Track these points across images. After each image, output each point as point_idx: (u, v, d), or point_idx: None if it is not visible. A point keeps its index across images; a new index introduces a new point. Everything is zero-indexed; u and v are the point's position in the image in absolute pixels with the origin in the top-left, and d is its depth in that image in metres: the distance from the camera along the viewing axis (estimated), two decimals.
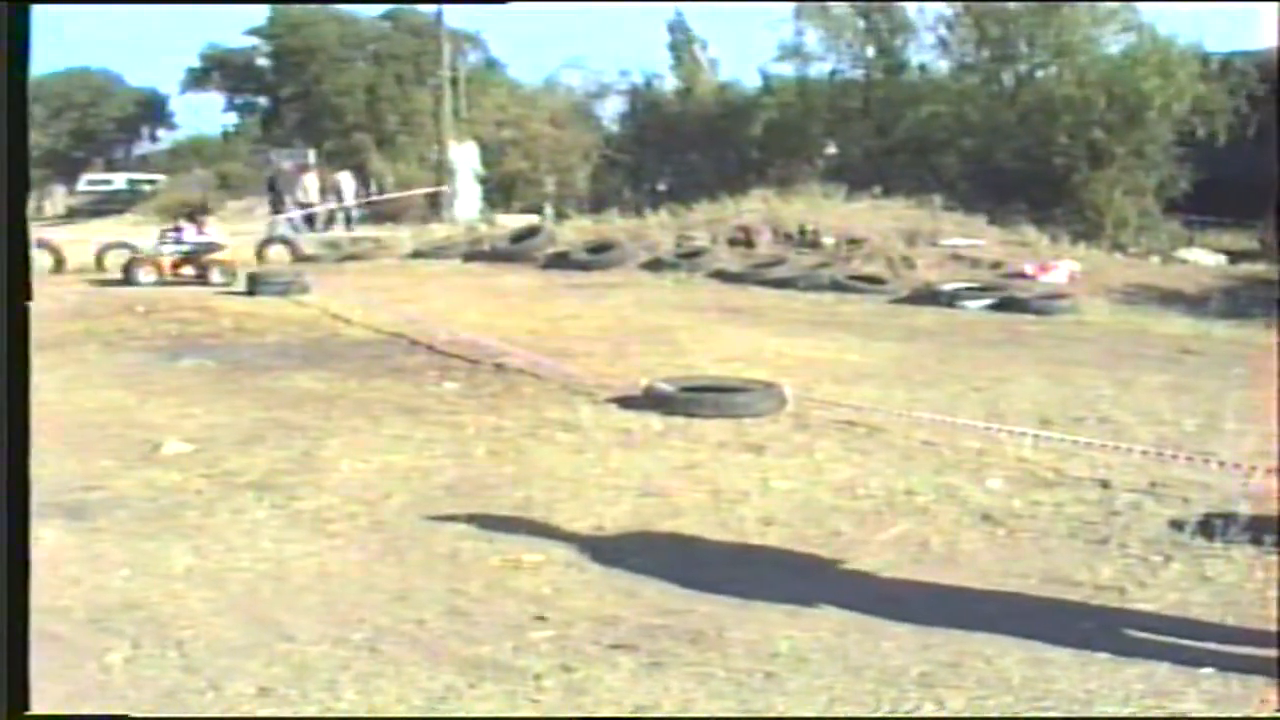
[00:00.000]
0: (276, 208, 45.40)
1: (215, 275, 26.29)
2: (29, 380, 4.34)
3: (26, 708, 4.45)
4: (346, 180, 46.03)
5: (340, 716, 5.79)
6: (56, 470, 10.42)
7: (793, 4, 47.76)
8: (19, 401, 4.35)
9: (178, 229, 27.74)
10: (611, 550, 7.89)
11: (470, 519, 8.61)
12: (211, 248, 27.27)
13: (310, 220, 42.40)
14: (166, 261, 26.58)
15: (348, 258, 32.19)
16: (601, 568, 7.58)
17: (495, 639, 6.52)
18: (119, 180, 73.35)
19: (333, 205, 43.49)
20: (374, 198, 48.03)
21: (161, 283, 25.59)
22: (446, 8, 52.55)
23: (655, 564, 7.57)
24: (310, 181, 45.20)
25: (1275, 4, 35.27)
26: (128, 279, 25.93)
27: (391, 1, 74.54)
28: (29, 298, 4.37)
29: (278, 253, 32.70)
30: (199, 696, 5.91)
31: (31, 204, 62.98)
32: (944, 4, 44.85)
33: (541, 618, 6.79)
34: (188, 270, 26.46)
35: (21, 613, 4.39)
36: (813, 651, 6.29)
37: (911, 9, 46.37)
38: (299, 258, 32.18)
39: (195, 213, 30.06)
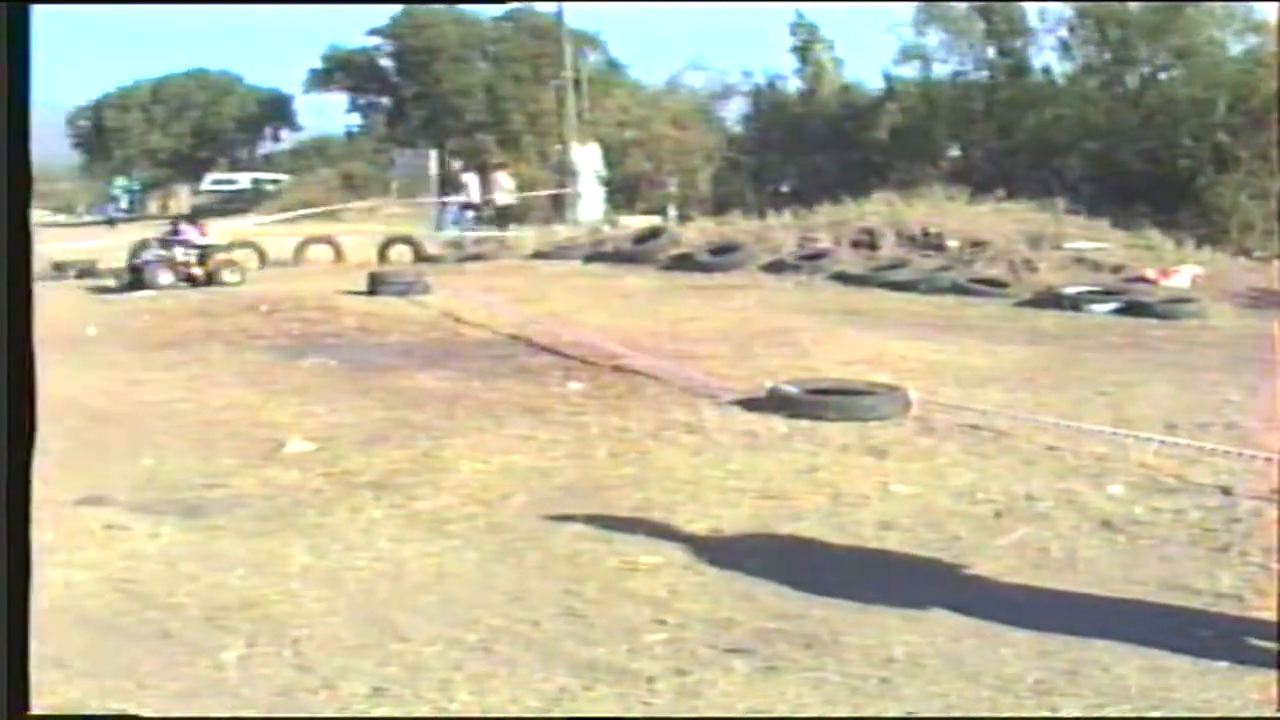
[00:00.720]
0: (443, 205, 46.15)
1: (227, 275, 26.68)
2: (33, 380, 4.37)
3: (27, 708, 4.49)
4: (505, 180, 46.52)
5: (355, 718, 5.88)
6: (177, 468, 10.62)
7: (914, 4, 47.66)
8: (21, 401, 4.38)
9: (176, 231, 27.90)
10: (729, 553, 7.88)
11: (589, 520, 8.63)
12: (216, 249, 27.85)
13: (476, 218, 43.10)
14: (193, 261, 26.75)
15: (470, 258, 32.33)
16: (718, 570, 7.58)
17: (610, 641, 6.54)
18: (243, 180, 74.21)
19: (501, 202, 44.09)
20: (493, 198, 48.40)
21: (175, 285, 25.84)
22: (567, 9, 52.86)
23: (772, 567, 7.55)
24: (471, 180, 45.82)
25: (1275, 4, 34.79)
26: (141, 282, 26.05)
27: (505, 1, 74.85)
28: (31, 296, 4.37)
29: (399, 253, 32.90)
30: (312, 695, 5.97)
31: (156, 203, 64.06)
32: (1064, 5, 44.54)
33: (660, 621, 6.81)
34: (196, 271, 26.64)
35: (21, 613, 4.43)
36: (929, 657, 6.26)
37: (1032, 11, 46.12)
38: (421, 258, 32.37)
39: (193, 216, 30.23)
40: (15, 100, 4.33)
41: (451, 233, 39.33)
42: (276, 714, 5.80)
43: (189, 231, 27.62)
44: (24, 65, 4.36)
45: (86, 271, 30.30)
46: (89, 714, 5.97)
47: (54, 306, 22.38)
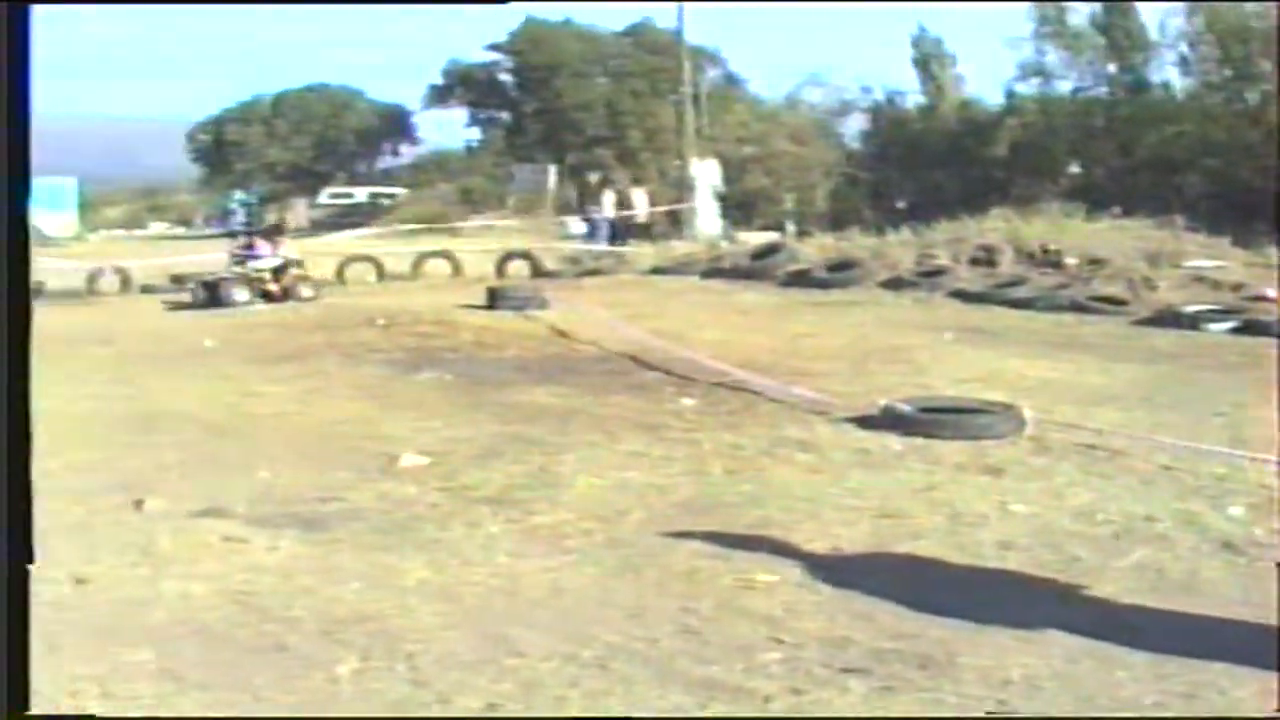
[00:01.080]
0: (587, 219, 46.68)
1: (303, 290, 26.70)
2: (29, 381, 4.39)
3: (26, 708, 4.48)
4: (640, 196, 46.86)
5: (356, 718, 5.91)
6: (293, 481, 10.70)
7: (1034, 20, 47.40)
8: (19, 402, 4.39)
9: (251, 246, 27.88)
10: (846, 571, 7.84)
11: (706, 537, 8.60)
12: (291, 264, 27.59)
13: (613, 233, 43.54)
14: (268, 277, 26.71)
15: (587, 273, 32.46)
16: (835, 589, 7.53)
17: (726, 659, 6.52)
18: (360, 194, 74.86)
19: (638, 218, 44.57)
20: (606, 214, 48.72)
21: (251, 301, 26.00)
22: (687, 26, 52.96)
23: (890, 586, 7.49)
24: (607, 197, 46.33)
25: (1275, 3, 34.19)
26: (216, 300, 26.05)
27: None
28: (29, 298, 4.38)
29: (516, 267, 33.08)
30: (426, 710, 6.00)
31: (274, 216, 64.74)
32: (1185, 20, 44.13)
33: (777, 639, 6.78)
34: (272, 287, 26.61)
35: (21, 613, 4.39)
36: (1045, 679, 6.20)
37: (1153, 26, 45.75)
38: (538, 273, 32.54)
39: (270, 231, 30.04)
40: (15, 100, 4.32)
41: (598, 246, 39.64)
42: None
43: (263, 247, 27.65)
44: (24, 65, 4.34)
45: (206, 284, 30.71)
46: (89, 714, 6.02)
47: (170, 320, 22.71)
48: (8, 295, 4.30)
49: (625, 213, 46.10)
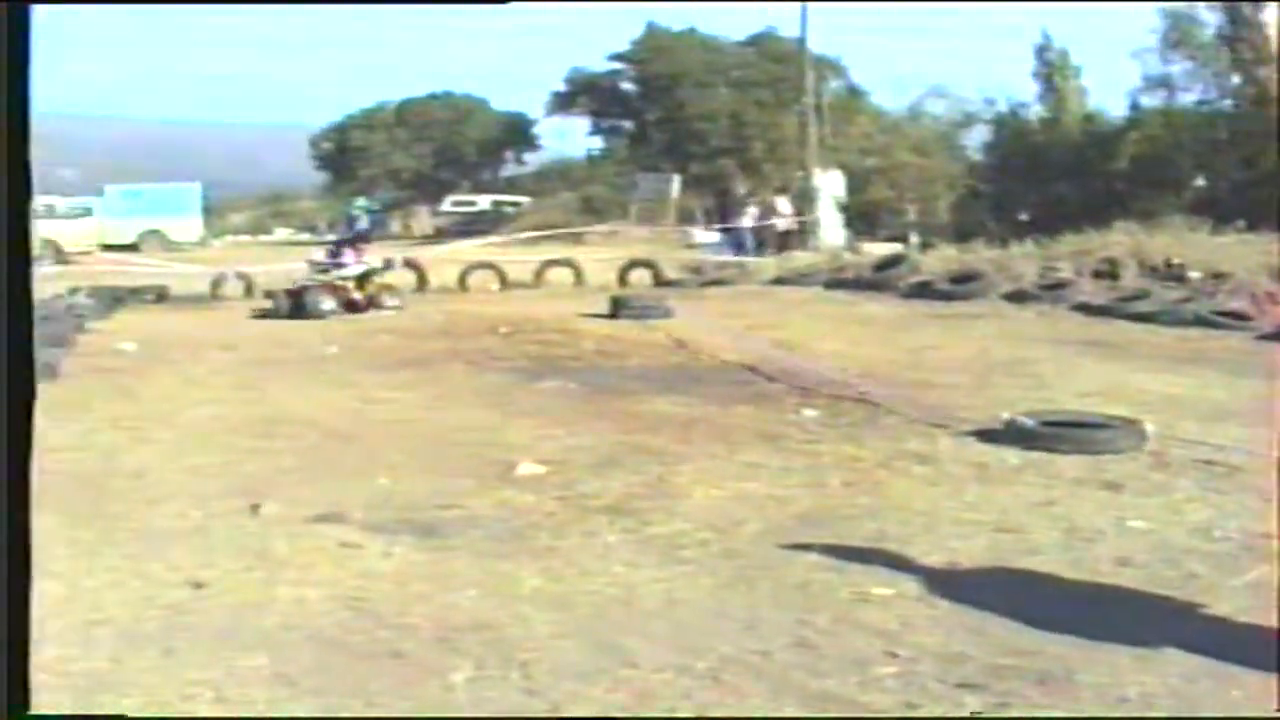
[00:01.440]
0: (728, 228, 46.91)
1: (387, 300, 26.48)
2: (31, 381, 4.37)
3: (27, 708, 4.47)
4: (784, 204, 46.96)
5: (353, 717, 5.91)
6: (413, 488, 10.75)
7: (1159, 32, 46.95)
8: (20, 402, 4.39)
9: (337, 254, 27.40)
10: (963, 586, 7.77)
11: (822, 550, 8.55)
12: (375, 273, 27.30)
13: (756, 241, 43.73)
14: (352, 286, 26.37)
15: (710, 283, 32.48)
16: (951, 604, 7.46)
17: (841, 673, 6.47)
18: (483, 201, 75.21)
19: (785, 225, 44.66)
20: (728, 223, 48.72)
21: (336, 310, 25.62)
22: (810, 35, 52.84)
23: (1006, 602, 7.41)
24: (750, 207, 46.54)
25: (1276, 3, 33.53)
26: (300, 310, 25.60)
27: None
28: (31, 296, 4.38)
29: (639, 276, 33.14)
30: None
31: (397, 224, 65.21)
32: None
33: (892, 654, 6.72)
34: (356, 296, 26.29)
35: (21, 613, 4.37)
36: (1161, 697, 6.12)
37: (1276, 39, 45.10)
38: (661, 282, 32.58)
39: (355, 239, 29.26)
40: (15, 100, 4.36)
41: (741, 256, 39.71)
42: None
43: (347, 255, 27.27)
44: (24, 65, 4.38)
45: (290, 293, 31.00)
46: (89, 714, 6.05)
47: (293, 326, 22.89)
48: (8, 295, 4.32)
49: (767, 221, 46.22)
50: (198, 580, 8.13)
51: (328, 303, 25.60)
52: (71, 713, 6.02)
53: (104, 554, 8.85)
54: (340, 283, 26.23)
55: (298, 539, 9.09)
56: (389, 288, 27.42)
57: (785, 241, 43.94)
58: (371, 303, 26.22)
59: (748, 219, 46.49)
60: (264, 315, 25.93)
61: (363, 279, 26.61)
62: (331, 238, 34.70)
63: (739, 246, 44.70)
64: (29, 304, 4.40)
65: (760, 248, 43.15)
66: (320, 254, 28.18)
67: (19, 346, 4.36)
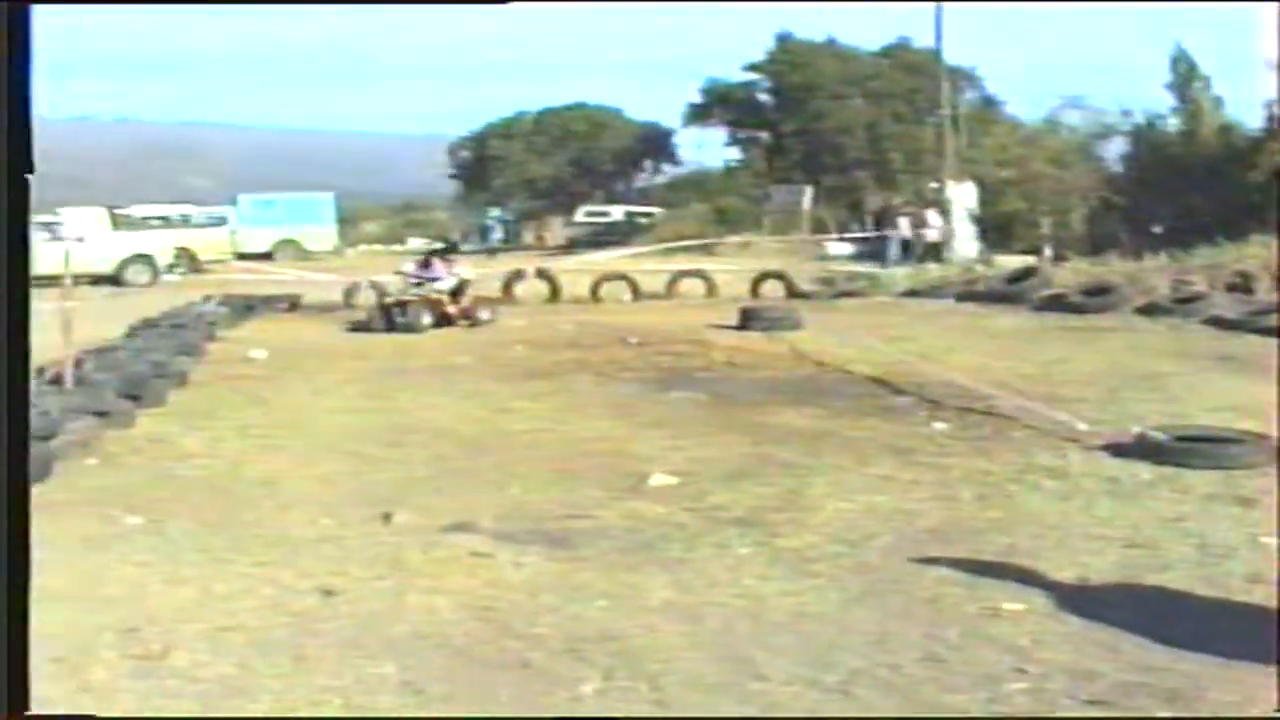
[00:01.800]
0: (879, 238, 46.92)
1: (482, 313, 26.37)
2: (29, 380, 4.40)
3: (26, 708, 4.52)
4: (933, 216, 46.87)
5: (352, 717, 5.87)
6: (542, 498, 10.82)
7: None
8: (19, 402, 4.40)
9: (427, 265, 27.07)
10: (1094, 602, 7.70)
11: (953, 564, 8.52)
12: (467, 285, 26.96)
13: (908, 254, 43.75)
14: (446, 299, 25.99)
15: (841, 295, 32.40)
16: (1082, 620, 7.40)
17: (970, 688, 6.44)
18: (616, 212, 75.36)
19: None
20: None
21: (431, 325, 25.34)
22: (944, 45, 52.60)
23: (1137, 618, 7.34)
24: (902, 220, 46.56)
25: (1275, 3, 32.86)
26: (391, 322, 25.32)
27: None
28: (29, 296, 4.42)
29: (771, 288, 33.10)
30: None
31: (530, 234, 65.64)
32: None
33: (1021, 670, 6.68)
34: (450, 309, 25.93)
35: (21, 613, 4.45)
36: None
37: None
38: (793, 294, 32.53)
39: (445, 251, 29.15)
40: (16, 100, 4.38)
41: (901, 269, 39.62)
42: None
43: (438, 267, 26.94)
44: (24, 65, 4.40)
45: (385, 306, 31.20)
46: (89, 714, 6.09)
47: (427, 338, 23.03)
48: (7, 295, 4.38)
49: (920, 230, 46.15)
50: (328, 588, 8.22)
51: (426, 317, 25.41)
52: (71, 713, 6.10)
53: (235, 561, 8.98)
54: (435, 295, 25.99)
55: (429, 548, 9.17)
56: (483, 300, 27.39)
57: (935, 253, 43.85)
58: (466, 316, 26.11)
59: (900, 230, 46.41)
60: (357, 328, 25.89)
61: (456, 292, 26.42)
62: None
63: (889, 256, 44.65)
64: (27, 304, 4.44)
65: (907, 258, 43.10)
66: (410, 265, 27.88)
67: (17, 347, 4.41)
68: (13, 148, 4.43)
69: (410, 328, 24.83)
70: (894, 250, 45.09)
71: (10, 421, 4.41)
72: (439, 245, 28.45)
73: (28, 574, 4.47)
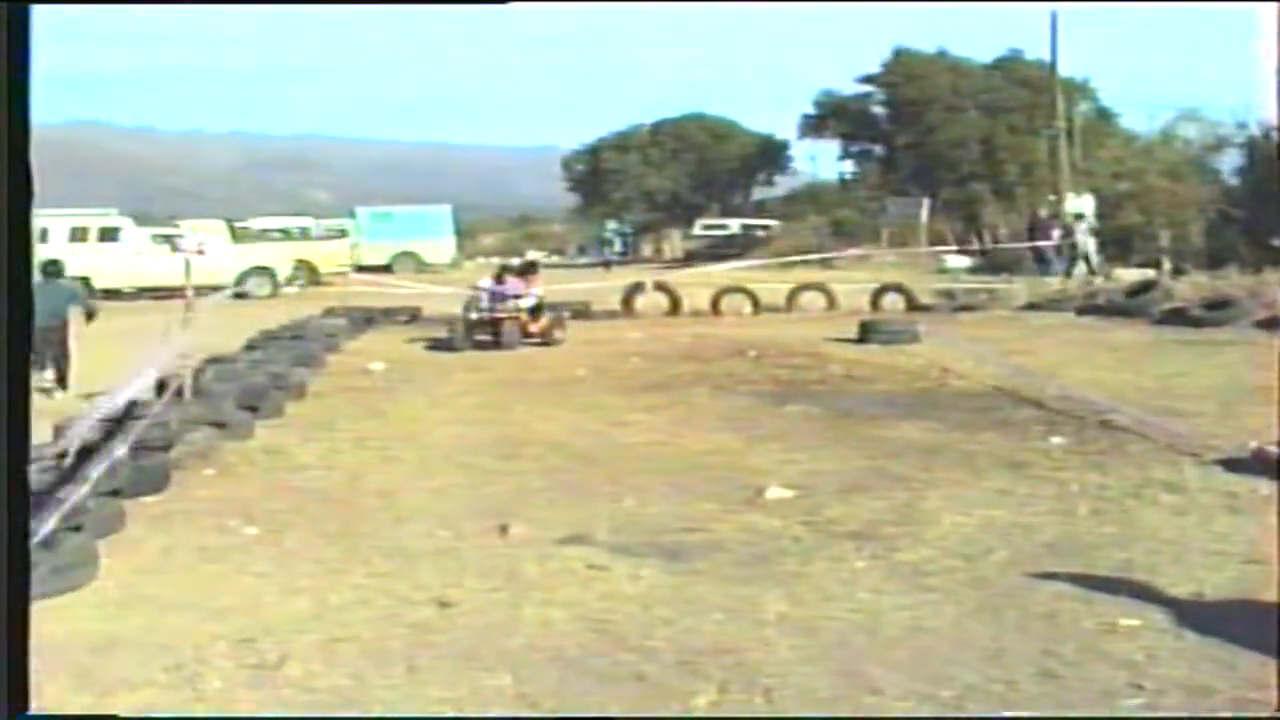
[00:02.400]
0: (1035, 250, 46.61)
1: (557, 333, 25.37)
2: (29, 381, 4.43)
3: (26, 708, 4.57)
4: (1082, 227, 46.62)
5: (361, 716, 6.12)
6: (659, 511, 10.85)
7: None
8: (19, 403, 4.44)
9: (501, 282, 25.91)
10: (1210, 618, 7.63)
11: (1069, 579, 8.48)
12: (544, 304, 25.94)
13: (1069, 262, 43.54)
14: (527, 318, 24.98)
15: (961, 308, 32.24)
16: (1199, 636, 7.34)
17: (1085, 704, 6.42)
18: (733, 225, 75.25)
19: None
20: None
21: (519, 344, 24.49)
22: (1058, 57, 52.22)
23: (1255, 635, 7.26)
24: (1055, 230, 46.36)
25: (1275, 3, 32.43)
26: (478, 343, 24.54)
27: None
28: (30, 296, 4.48)
29: (890, 301, 33.01)
30: None
31: (648, 247, 65.60)
32: None
33: (1137, 685, 6.64)
34: (533, 328, 25.02)
35: (21, 613, 4.50)
36: None
37: None
38: (912, 307, 32.42)
39: (524, 269, 27.89)
40: (15, 100, 4.45)
41: (1055, 280, 39.43)
42: None
43: (515, 284, 25.83)
44: (24, 65, 4.47)
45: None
46: (89, 714, 6.13)
47: (541, 350, 23.08)
48: (8, 294, 4.44)
49: (1068, 241, 45.83)
50: (444, 599, 8.30)
51: (512, 334, 24.66)
52: (70, 713, 6.17)
53: (351, 572, 9.08)
54: (516, 313, 25.12)
55: (545, 560, 9.24)
56: (560, 322, 26.20)
57: (1086, 262, 43.56)
58: (544, 335, 25.21)
59: (1052, 239, 46.09)
60: (436, 346, 25.19)
61: (537, 310, 25.58)
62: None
63: (1050, 266, 44.32)
64: (27, 304, 4.50)
65: (1058, 268, 42.84)
66: (486, 281, 26.74)
67: (16, 348, 4.46)
68: (12, 148, 4.50)
69: (498, 346, 24.25)
70: (1058, 259, 44.68)
71: (11, 423, 4.48)
72: (515, 261, 27.60)
73: (28, 574, 4.55)
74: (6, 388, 4.46)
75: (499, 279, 26.25)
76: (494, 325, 24.91)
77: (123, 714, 6.43)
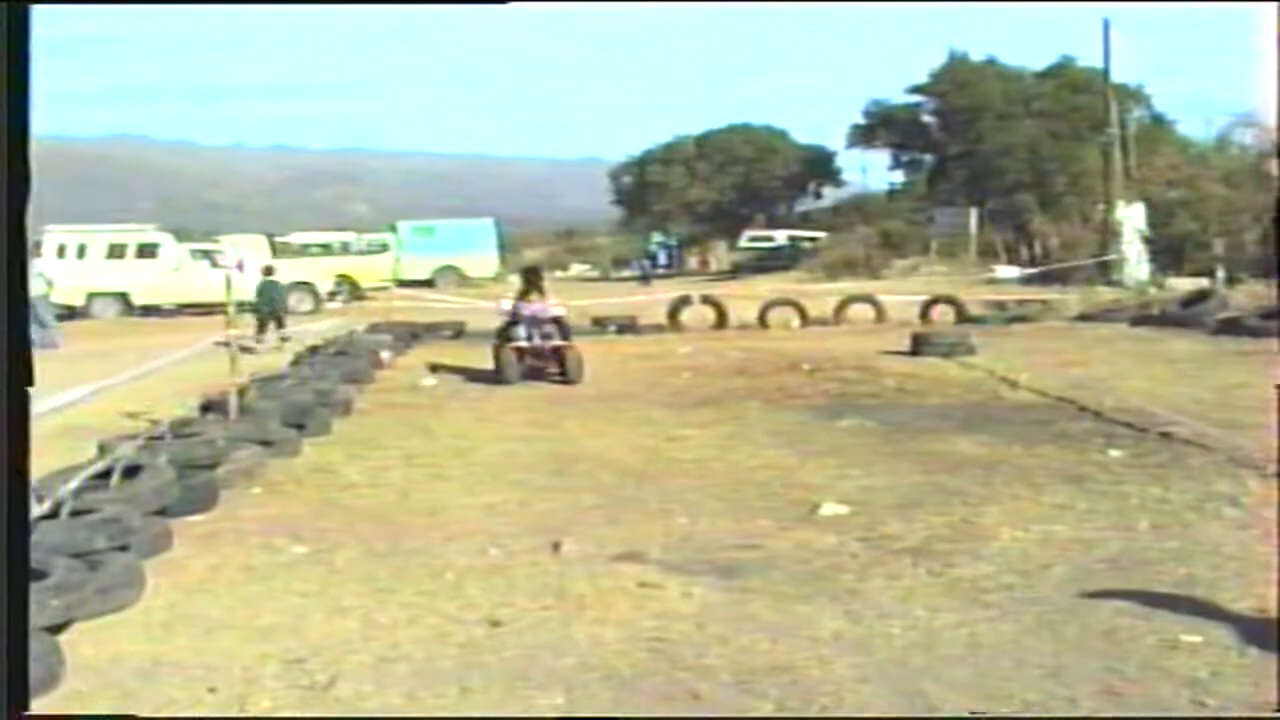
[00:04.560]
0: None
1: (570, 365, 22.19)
2: (29, 381, 4.47)
3: (26, 708, 4.60)
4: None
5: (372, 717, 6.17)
6: (711, 527, 10.85)
7: None
8: (19, 403, 4.49)
9: (525, 298, 23.16)
10: (1274, 634, 7.60)
11: (1129, 595, 8.44)
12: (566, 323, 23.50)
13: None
14: (558, 341, 22.57)
15: (1014, 320, 32.21)
16: (1261, 652, 7.29)
17: None
18: (780, 236, 75.24)
19: None
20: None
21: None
22: (1111, 63, 52.06)
23: None
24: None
25: (1275, 3, 32.18)
26: (534, 373, 22.15)
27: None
28: (28, 296, 4.53)
29: (941, 312, 32.99)
30: None
31: (695, 259, 65.71)
32: None
33: (1200, 703, 6.63)
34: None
35: (21, 613, 4.52)
36: None
37: None
38: (964, 318, 32.39)
39: (528, 278, 24.50)
40: (15, 100, 4.50)
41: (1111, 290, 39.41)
42: None
43: (542, 305, 23.02)
44: (24, 65, 4.51)
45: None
46: (88, 714, 6.16)
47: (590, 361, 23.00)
48: (8, 296, 4.51)
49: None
50: (495, 619, 8.31)
51: (574, 364, 21.95)
52: (71, 713, 6.21)
53: (400, 591, 9.10)
54: (558, 342, 22.50)
55: (597, 578, 9.25)
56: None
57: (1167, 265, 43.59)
58: (560, 369, 22.25)
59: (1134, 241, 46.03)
60: (475, 379, 22.83)
61: (565, 331, 23.07)
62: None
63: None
64: (25, 306, 4.57)
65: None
66: (507, 303, 23.75)
67: (15, 350, 4.53)
68: (12, 147, 4.55)
69: (564, 378, 21.76)
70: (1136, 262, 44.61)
71: (11, 424, 4.54)
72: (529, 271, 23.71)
73: (27, 575, 4.59)
74: (6, 388, 4.53)
75: (523, 296, 23.30)
76: (556, 356, 22.36)
77: None
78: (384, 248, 60.24)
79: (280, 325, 31.20)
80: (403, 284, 53.15)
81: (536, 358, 22.48)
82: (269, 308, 31.31)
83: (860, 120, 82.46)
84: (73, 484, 9.81)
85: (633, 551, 9.97)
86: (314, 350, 23.29)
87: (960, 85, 75.92)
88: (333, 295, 46.81)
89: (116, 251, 44.18)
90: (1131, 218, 46.54)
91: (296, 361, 21.93)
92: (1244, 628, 7.76)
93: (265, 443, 14.09)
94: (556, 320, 23.12)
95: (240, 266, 35.88)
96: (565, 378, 21.73)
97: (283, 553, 10.33)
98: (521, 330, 22.65)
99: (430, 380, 21.46)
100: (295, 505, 12.18)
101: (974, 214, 61.78)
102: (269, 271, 32.90)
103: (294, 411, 15.79)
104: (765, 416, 17.25)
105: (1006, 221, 60.99)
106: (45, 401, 15.60)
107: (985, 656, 7.45)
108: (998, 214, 62.97)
